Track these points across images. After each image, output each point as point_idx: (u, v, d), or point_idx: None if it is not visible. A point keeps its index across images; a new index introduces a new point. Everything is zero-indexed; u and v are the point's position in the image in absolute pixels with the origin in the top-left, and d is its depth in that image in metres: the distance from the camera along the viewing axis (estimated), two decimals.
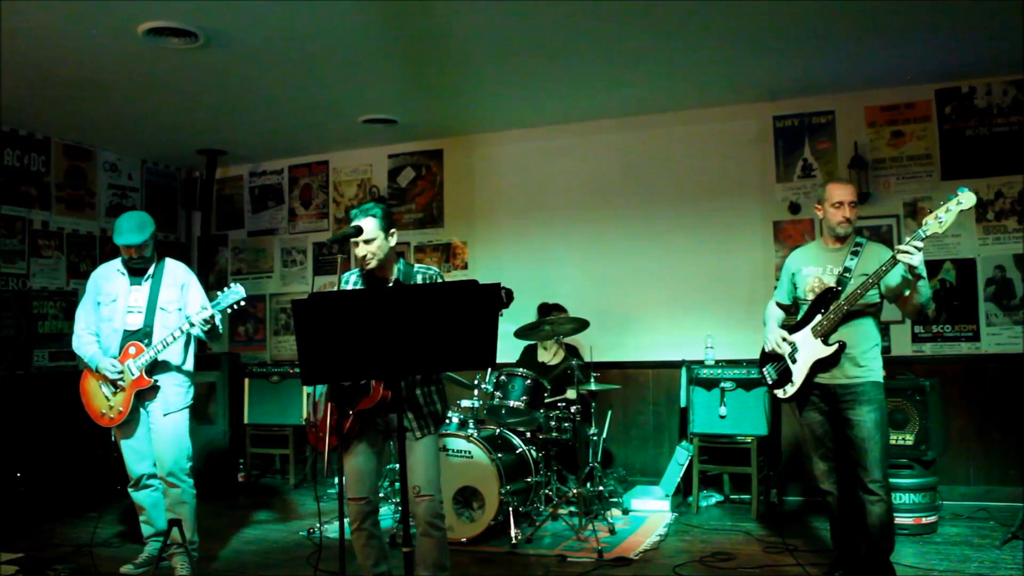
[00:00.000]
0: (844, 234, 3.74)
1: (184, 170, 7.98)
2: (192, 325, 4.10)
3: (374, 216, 3.25)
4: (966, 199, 3.33)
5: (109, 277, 4.36)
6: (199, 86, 5.54)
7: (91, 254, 7.00)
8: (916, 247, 3.31)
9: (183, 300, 4.32)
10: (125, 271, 4.32)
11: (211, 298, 4.31)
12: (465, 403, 5.25)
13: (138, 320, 4.24)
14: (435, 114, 6.45)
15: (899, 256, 3.34)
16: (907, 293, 3.53)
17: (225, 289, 4.18)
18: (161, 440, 4.23)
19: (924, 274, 3.42)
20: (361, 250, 3.25)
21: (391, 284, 3.34)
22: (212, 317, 4.09)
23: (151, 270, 4.31)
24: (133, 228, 4.18)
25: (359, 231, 3.25)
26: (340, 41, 4.83)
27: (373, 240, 3.24)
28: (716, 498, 5.86)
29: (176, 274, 4.36)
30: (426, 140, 7.18)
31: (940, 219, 3.35)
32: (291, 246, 7.73)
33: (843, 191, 3.72)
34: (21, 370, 6.36)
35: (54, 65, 5.04)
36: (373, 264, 3.27)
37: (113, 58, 4.96)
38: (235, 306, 4.15)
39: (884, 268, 3.47)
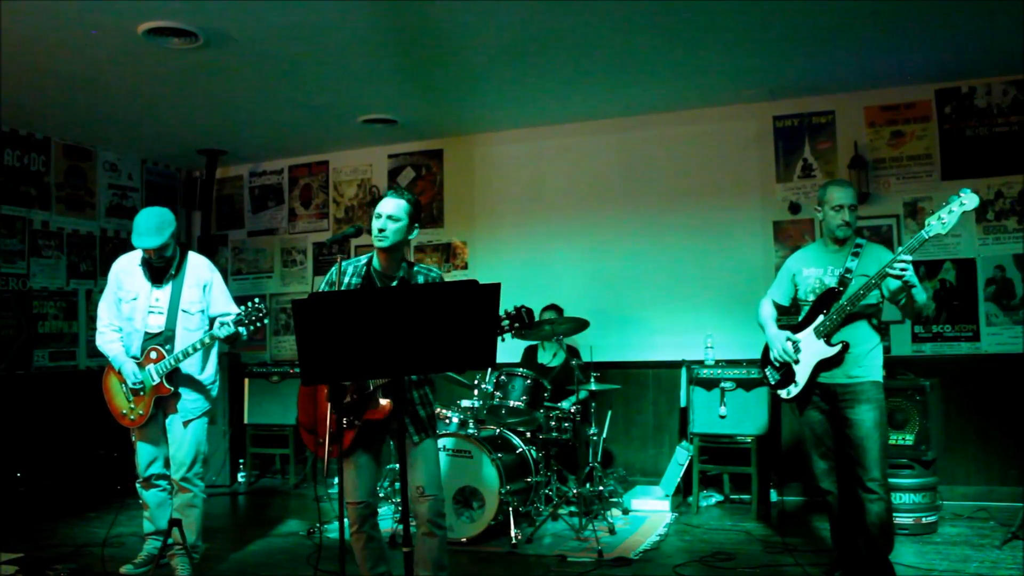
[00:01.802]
0: (843, 236, 3.75)
1: (184, 170, 7.98)
2: (213, 340, 4.06)
3: (408, 202, 3.32)
4: (969, 200, 3.34)
5: (130, 271, 4.23)
6: (199, 86, 5.54)
7: (91, 254, 7.00)
8: (905, 260, 3.35)
9: (206, 301, 4.25)
10: (146, 270, 4.19)
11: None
12: (465, 403, 5.25)
13: (159, 321, 4.15)
14: (435, 114, 6.45)
15: (889, 271, 3.40)
16: (903, 301, 3.57)
17: (250, 304, 4.04)
18: (179, 445, 4.19)
19: (916, 283, 3.46)
20: (382, 222, 3.26)
21: (395, 283, 3.34)
22: (235, 332, 4.04)
23: (172, 269, 4.18)
24: (151, 229, 4.01)
25: (359, 231, 3.28)
26: (340, 41, 4.83)
27: (398, 220, 3.28)
28: (716, 498, 5.86)
29: (199, 273, 4.25)
30: (426, 140, 7.18)
31: (943, 220, 3.37)
32: (291, 246, 7.73)
33: (843, 194, 3.73)
34: (21, 370, 6.37)
35: (54, 65, 5.04)
36: (385, 243, 3.27)
37: (113, 58, 4.96)
38: (257, 324, 4.07)
39: (883, 272, 3.48)
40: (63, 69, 5.12)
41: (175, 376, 4.14)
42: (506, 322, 3.21)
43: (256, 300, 4.06)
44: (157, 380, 4.10)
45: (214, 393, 4.34)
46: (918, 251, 3.43)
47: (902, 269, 3.37)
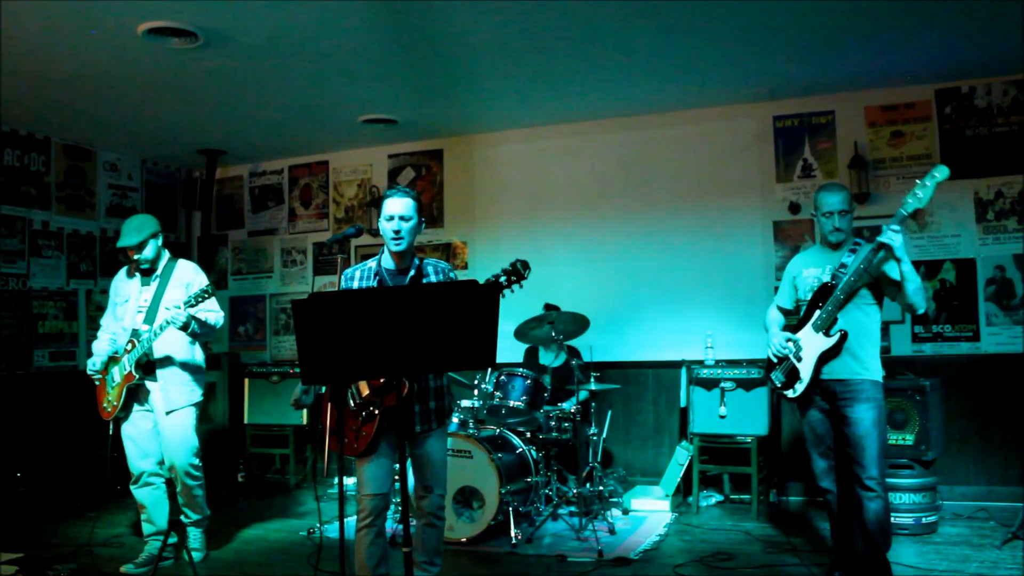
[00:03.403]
0: (836, 242, 3.79)
1: (184, 170, 7.98)
2: (168, 323, 4.15)
3: (413, 199, 3.36)
4: (940, 172, 3.53)
5: (123, 278, 4.53)
6: (199, 86, 5.54)
7: (91, 254, 7.00)
8: (895, 230, 3.46)
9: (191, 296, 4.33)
10: (137, 272, 4.44)
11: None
12: (465, 403, 5.25)
13: (142, 319, 4.34)
14: (435, 114, 6.45)
15: (882, 239, 3.48)
16: (896, 278, 3.58)
17: (200, 288, 4.19)
18: (167, 438, 4.36)
19: (904, 258, 3.51)
20: (396, 224, 3.29)
21: (408, 278, 3.36)
22: (185, 316, 4.13)
23: (159, 270, 4.41)
24: (131, 230, 4.30)
25: (360, 232, 3.29)
26: (340, 41, 4.83)
27: (410, 220, 3.32)
28: (716, 498, 5.86)
29: (184, 274, 4.44)
30: (426, 140, 7.18)
31: (918, 195, 3.51)
32: (291, 246, 7.73)
33: (833, 200, 3.74)
34: (21, 370, 6.37)
35: (54, 65, 5.04)
36: (403, 245, 3.31)
37: (113, 58, 4.96)
38: (201, 300, 4.13)
39: (872, 253, 3.55)
40: (63, 69, 5.12)
41: (151, 367, 4.31)
42: (504, 278, 3.21)
43: (207, 284, 4.19)
44: (129, 368, 4.25)
45: (200, 386, 4.48)
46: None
47: (892, 238, 3.45)
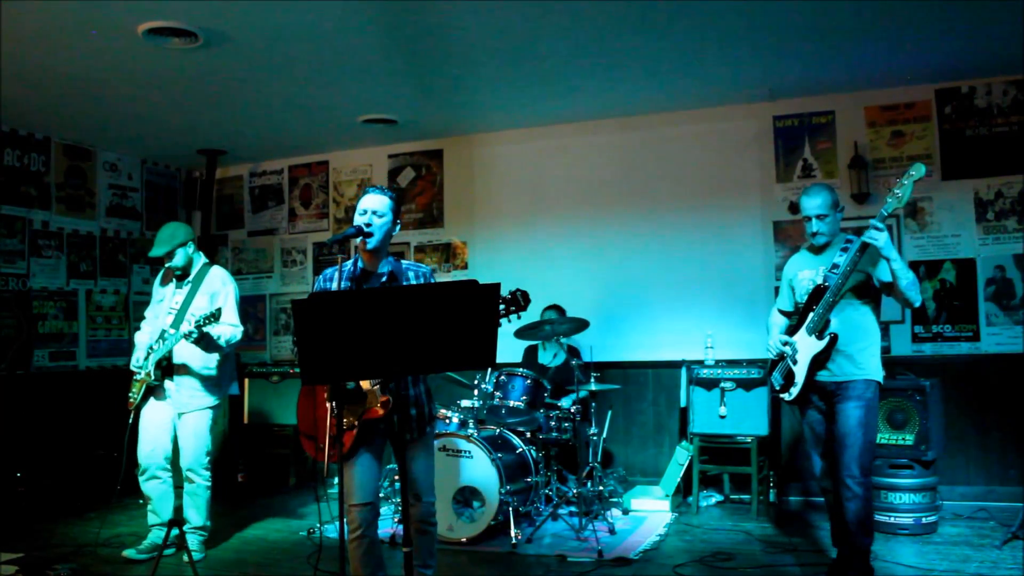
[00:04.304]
0: (819, 245, 3.80)
1: (184, 170, 7.98)
2: (179, 336, 4.33)
3: (390, 198, 3.36)
4: (916, 171, 3.59)
5: (159, 283, 4.78)
6: (199, 86, 5.54)
7: (91, 254, 7.00)
8: (878, 228, 3.47)
9: (211, 308, 4.44)
10: (173, 276, 4.68)
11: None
12: (465, 403, 5.25)
13: (171, 321, 4.54)
14: (435, 114, 6.45)
15: (865, 238, 3.50)
16: (888, 278, 3.59)
17: (209, 310, 4.31)
18: (181, 437, 4.59)
19: (892, 255, 3.51)
20: (367, 218, 3.26)
21: (383, 279, 3.33)
22: (196, 332, 4.27)
23: (192, 276, 4.61)
24: (162, 240, 4.54)
25: (360, 231, 3.27)
26: (340, 41, 4.83)
27: (383, 217, 3.30)
28: (716, 498, 5.86)
29: (212, 283, 4.62)
30: (426, 140, 7.18)
31: (898, 195, 3.57)
32: (291, 246, 7.73)
33: (810, 205, 3.76)
34: (21, 370, 6.37)
35: (54, 65, 5.04)
36: (372, 243, 3.27)
37: (113, 58, 4.96)
38: (208, 325, 4.26)
39: (858, 254, 3.57)
40: (63, 69, 5.12)
41: (171, 368, 4.51)
42: (502, 307, 3.18)
43: (219, 307, 4.32)
44: (148, 368, 4.48)
45: (217, 392, 4.64)
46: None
47: (875, 237, 3.46)
